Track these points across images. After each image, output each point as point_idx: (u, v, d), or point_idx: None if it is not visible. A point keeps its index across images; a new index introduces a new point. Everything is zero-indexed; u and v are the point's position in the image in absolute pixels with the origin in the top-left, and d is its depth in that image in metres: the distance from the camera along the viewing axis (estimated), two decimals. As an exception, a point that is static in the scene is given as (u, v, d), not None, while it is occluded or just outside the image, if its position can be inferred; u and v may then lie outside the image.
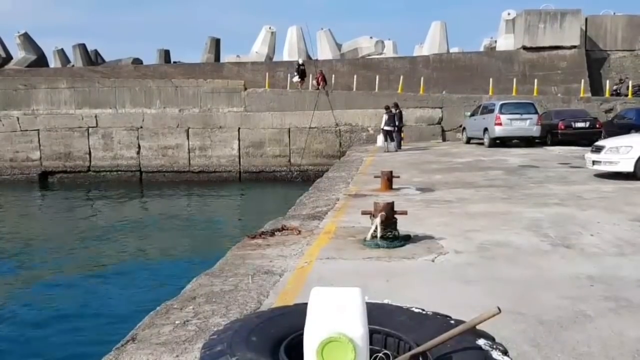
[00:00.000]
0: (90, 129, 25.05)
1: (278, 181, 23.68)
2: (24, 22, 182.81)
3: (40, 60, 36.59)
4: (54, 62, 37.81)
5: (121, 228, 15.41)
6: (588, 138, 18.89)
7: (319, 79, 25.69)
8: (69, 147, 25.00)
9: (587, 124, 20.78)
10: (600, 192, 10.11)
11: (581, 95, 26.85)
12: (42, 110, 25.28)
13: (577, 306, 4.25)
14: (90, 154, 25.04)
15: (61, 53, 38.19)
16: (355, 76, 28.57)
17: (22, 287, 10.07)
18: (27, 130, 25.05)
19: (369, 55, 35.39)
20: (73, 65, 36.17)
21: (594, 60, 30.39)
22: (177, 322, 4.01)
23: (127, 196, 21.79)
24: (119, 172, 24.93)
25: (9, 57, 36.57)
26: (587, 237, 6.57)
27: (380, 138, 21.32)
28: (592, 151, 12.18)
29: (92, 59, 37.87)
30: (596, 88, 29.30)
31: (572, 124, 20.77)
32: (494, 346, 2.41)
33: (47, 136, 25.01)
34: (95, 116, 25.08)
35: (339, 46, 37.27)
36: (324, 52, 35.84)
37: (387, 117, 20.22)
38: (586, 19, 30.75)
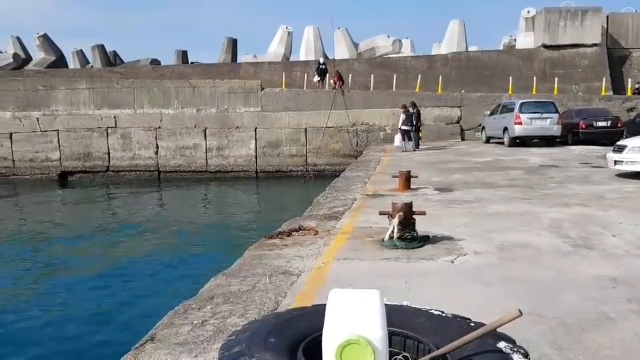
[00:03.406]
0: (109, 130, 25.31)
1: (295, 181, 23.66)
2: (43, 24, 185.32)
3: (60, 62, 37.04)
4: (73, 63, 38.21)
5: (139, 228, 15.53)
6: (610, 138, 18.63)
7: (336, 79, 25.65)
8: (88, 148, 25.28)
9: (609, 123, 20.51)
10: (622, 192, 9.95)
11: (603, 94, 26.50)
12: (62, 111, 25.57)
13: (599, 308, 4.18)
14: (109, 154, 25.29)
15: (80, 54, 38.62)
16: (372, 76, 28.49)
17: (42, 285, 10.19)
18: (47, 131, 25.38)
19: (386, 55, 35.25)
20: (92, 67, 36.56)
21: (616, 59, 29.98)
22: (195, 322, 4.02)
23: (146, 196, 21.97)
24: (138, 172, 25.15)
25: (28, 59, 37.08)
26: (609, 238, 6.47)
27: (398, 138, 21.22)
28: (614, 151, 12.01)
29: (111, 60, 38.25)
30: (618, 87, 28.88)
31: (594, 123, 20.52)
32: (515, 349, 2.38)
33: (67, 137, 25.32)
34: (115, 117, 25.34)
35: (356, 45, 37.16)
36: (341, 51, 35.76)
37: (404, 116, 20.15)
38: (608, 17, 30.35)
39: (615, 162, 11.80)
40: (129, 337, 5.36)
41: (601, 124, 20.50)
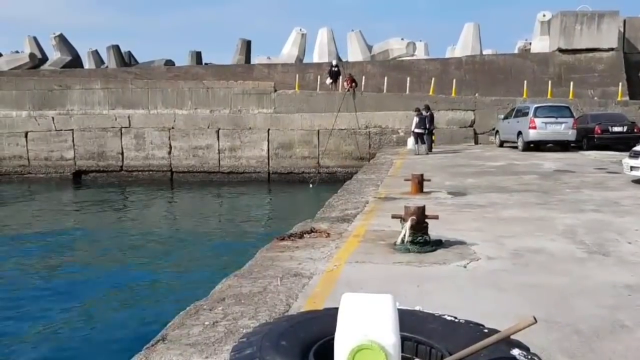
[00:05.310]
0: (123, 129, 25.47)
1: (307, 183, 23.65)
2: (59, 24, 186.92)
3: (75, 61, 37.35)
4: (88, 63, 38.51)
5: (151, 228, 15.61)
6: (625, 143, 18.42)
7: (349, 81, 25.61)
8: (102, 147, 25.46)
9: (625, 128, 20.30)
10: (638, 198, 9.83)
11: (619, 98, 26.24)
12: (77, 110, 25.77)
13: (614, 316, 4.13)
14: (122, 153, 25.45)
15: (95, 54, 38.93)
16: (385, 78, 28.42)
17: (52, 285, 10.25)
18: (61, 130, 25.59)
19: (400, 57, 35.17)
20: (107, 67, 36.83)
21: (632, 63, 29.65)
22: (206, 322, 4.02)
23: (158, 196, 22.09)
24: (151, 172, 25.28)
25: (44, 58, 37.46)
26: (624, 244, 6.39)
27: (410, 140, 21.18)
28: (630, 156, 11.87)
29: (126, 60, 38.52)
30: (634, 91, 28.56)
31: (609, 128, 20.31)
32: (529, 356, 2.36)
33: (81, 136, 25.52)
34: (128, 117, 25.49)
35: (369, 48, 37.11)
36: (354, 53, 35.75)
37: (417, 119, 20.08)
38: (624, 21, 30.05)
39: (631, 168, 11.66)
40: (140, 336, 5.38)
41: (617, 129, 20.29)
